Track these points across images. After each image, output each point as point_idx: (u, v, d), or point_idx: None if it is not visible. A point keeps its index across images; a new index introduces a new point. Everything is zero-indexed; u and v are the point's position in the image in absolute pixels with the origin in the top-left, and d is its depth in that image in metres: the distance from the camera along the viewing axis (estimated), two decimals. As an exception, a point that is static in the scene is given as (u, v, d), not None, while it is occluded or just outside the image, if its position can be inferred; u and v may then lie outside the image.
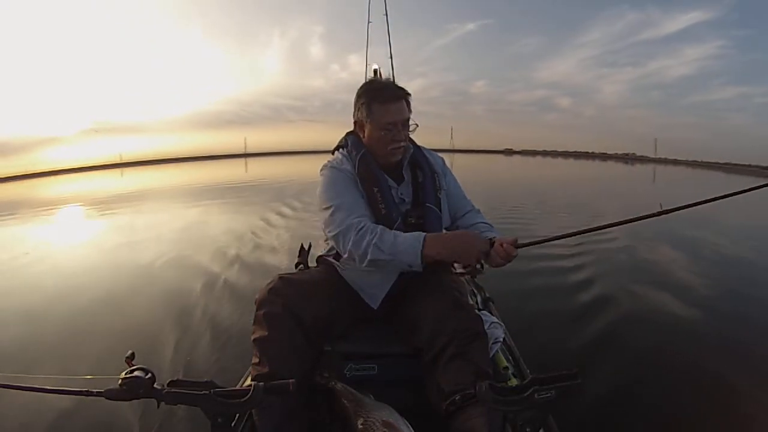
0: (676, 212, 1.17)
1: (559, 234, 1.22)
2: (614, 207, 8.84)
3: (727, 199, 1.24)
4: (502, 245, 1.17)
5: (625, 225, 1.22)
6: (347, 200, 1.25)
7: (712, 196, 1.26)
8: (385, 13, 3.35)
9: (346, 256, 1.23)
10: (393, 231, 1.20)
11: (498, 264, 1.20)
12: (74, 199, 14.06)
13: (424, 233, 1.18)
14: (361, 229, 1.19)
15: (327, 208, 1.26)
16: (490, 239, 1.22)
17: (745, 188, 1.30)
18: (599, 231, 1.30)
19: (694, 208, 1.19)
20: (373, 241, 1.16)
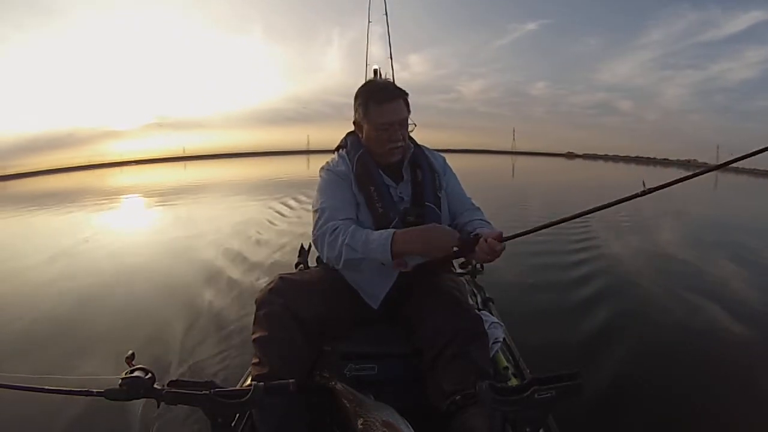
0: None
1: (544, 223, 1.17)
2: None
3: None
4: (486, 240, 1.14)
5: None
6: (332, 204, 1.26)
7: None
8: (385, 13, 3.35)
9: (325, 260, 1.25)
10: (365, 230, 1.20)
11: (484, 259, 1.17)
12: (136, 190, 14.69)
13: (393, 229, 1.17)
14: (334, 230, 1.19)
15: (314, 211, 1.28)
16: (475, 235, 1.19)
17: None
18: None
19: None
20: (345, 241, 1.16)
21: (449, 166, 1.50)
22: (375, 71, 1.98)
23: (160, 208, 10.09)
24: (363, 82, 1.43)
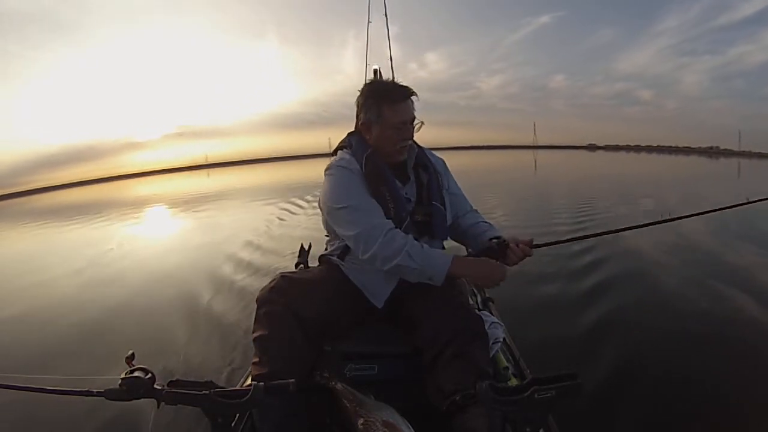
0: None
1: (576, 236, 1.27)
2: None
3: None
4: (518, 245, 1.26)
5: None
6: (363, 201, 1.25)
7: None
8: (384, 13, 3.34)
9: (365, 257, 1.21)
10: (420, 242, 1.24)
11: (513, 263, 1.28)
12: (160, 200, 15.12)
13: (452, 255, 1.24)
14: (389, 231, 1.20)
15: (341, 208, 1.26)
16: (504, 241, 1.30)
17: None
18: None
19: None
20: (405, 248, 1.18)
21: (448, 168, 1.54)
22: (375, 71, 1.98)
23: (184, 216, 10.35)
24: (363, 82, 1.43)
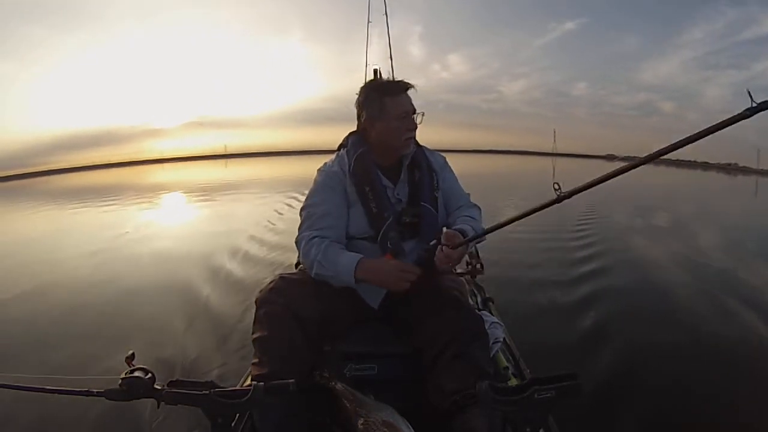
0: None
1: (511, 218, 1.08)
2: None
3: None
4: (442, 250, 1.14)
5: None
6: (318, 210, 1.30)
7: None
8: (384, 13, 3.34)
9: (301, 264, 1.30)
10: (338, 248, 1.24)
11: (445, 269, 1.21)
12: (177, 187, 15.19)
13: (360, 255, 1.21)
14: (310, 240, 1.25)
15: (301, 210, 1.33)
16: (435, 244, 1.17)
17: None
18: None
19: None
20: (318, 258, 1.21)
21: (449, 166, 1.50)
22: (375, 71, 1.98)
23: (200, 204, 10.40)
24: (363, 82, 1.42)
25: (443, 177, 1.44)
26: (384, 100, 1.30)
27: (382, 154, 1.34)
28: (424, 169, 1.38)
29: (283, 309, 1.16)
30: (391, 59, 3.17)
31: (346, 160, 1.34)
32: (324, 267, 1.21)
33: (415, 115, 1.34)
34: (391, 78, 1.40)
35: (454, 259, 1.16)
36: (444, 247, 1.14)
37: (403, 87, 1.33)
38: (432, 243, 1.19)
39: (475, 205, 1.46)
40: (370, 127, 1.34)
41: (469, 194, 1.48)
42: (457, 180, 1.50)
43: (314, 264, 1.22)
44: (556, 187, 0.85)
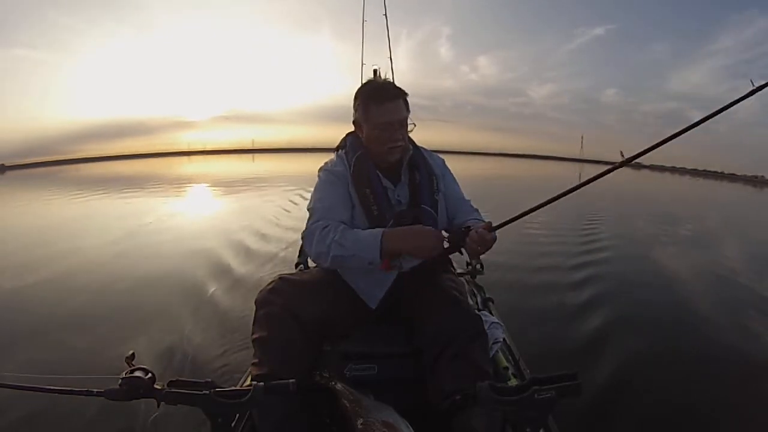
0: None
1: (532, 207, 1.16)
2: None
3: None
4: (476, 231, 1.16)
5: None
6: (325, 204, 1.27)
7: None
8: (384, 13, 3.34)
9: (312, 257, 1.25)
10: (356, 229, 1.21)
11: (475, 251, 1.18)
12: (204, 179, 15.23)
13: (382, 229, 1.18)
14: (325, 227, 1.20)
15: (309, 209, 1.30)
16: (466, 227, 1.21)
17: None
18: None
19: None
20: (335, 238, 1.17)
21: (448, 169, 1.50)
22: (375, 71, 1.97)
23: (226, 197, 10.42)
24: (361, 82, 1.42)
25: (444, 180, 1.44)
26: (369, 106, 1.28)
27: (375, 157, 1.34)
28: (423, 171, 1.38)
29: (282, 309, 1.16)
30: (391, 59, 3.17)
31: (346, 161, 1.34)
32: (343, 247, 1.16)
33: (409, 124, 1.31)
34: (390, 78, 1.39)
35: (487, 241, 1.16)
36: (479, 230, 1.15)
37: (390, 95, 1.28)
38: (463, 228, 1.22)
39: (476, 209, 1.47)
40: (359, 129, 1.35)
41: (469, 200, 1.48)
42: (457, 183, 1.50)
43: (331, 246, 1.16)
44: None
